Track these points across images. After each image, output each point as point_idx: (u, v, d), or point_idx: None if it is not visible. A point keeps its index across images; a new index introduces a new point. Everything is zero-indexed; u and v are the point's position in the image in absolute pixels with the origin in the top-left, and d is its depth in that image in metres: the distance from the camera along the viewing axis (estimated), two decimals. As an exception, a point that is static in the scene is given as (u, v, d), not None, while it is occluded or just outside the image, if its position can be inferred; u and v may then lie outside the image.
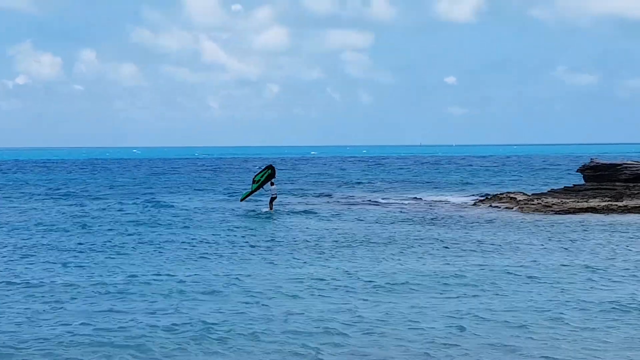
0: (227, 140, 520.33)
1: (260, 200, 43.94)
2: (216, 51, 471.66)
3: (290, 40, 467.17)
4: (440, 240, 28.53)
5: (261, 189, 43.19)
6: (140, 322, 15.88)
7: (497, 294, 18.71)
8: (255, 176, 44.52)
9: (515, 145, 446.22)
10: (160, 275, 21.20)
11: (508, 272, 21.58)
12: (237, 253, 25.77)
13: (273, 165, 44.38)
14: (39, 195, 53.87)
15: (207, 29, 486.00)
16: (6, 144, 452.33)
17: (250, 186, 44.85)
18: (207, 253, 25.64)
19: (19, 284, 20.11)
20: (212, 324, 15.70)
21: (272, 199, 41.88)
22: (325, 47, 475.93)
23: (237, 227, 33.55)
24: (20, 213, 39.91)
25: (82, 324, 15.77)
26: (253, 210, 41.27)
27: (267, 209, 41.17)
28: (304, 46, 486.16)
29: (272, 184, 42.45)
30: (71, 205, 44.81)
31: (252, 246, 27.29)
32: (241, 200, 45.28)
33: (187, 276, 21.02)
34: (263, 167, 45.03)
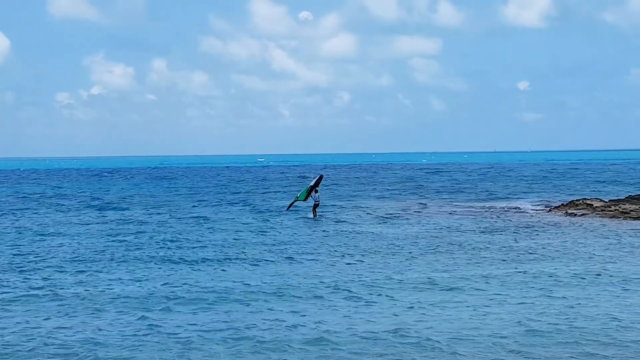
0: (299, 148, 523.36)
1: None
2: (285, 59, 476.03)
3: (358, 47, 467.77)
4: (529, 250, 29.32)
5: (309, 197, 44.81)
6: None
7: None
8: (307, 186, 45.99)
9: (592, 150, 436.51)
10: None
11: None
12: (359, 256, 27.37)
13: (322, 176, 46.57)
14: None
15: (275, 37, 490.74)
16: (85, 153, 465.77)
17: (297, 193, 46.90)
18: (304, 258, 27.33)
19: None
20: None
21: (316, 206, 43.87)
22: (393, 54, 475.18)
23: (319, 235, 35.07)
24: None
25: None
26: (336, 222, 42.78)
27: (311, 216, 42.99)
28: (372, 53, 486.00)
29: (316, 191, 44.39)
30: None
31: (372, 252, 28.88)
32: (287, 209, 46.60)
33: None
34: (316, 177, 46.43)
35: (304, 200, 45.51)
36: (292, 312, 18.48)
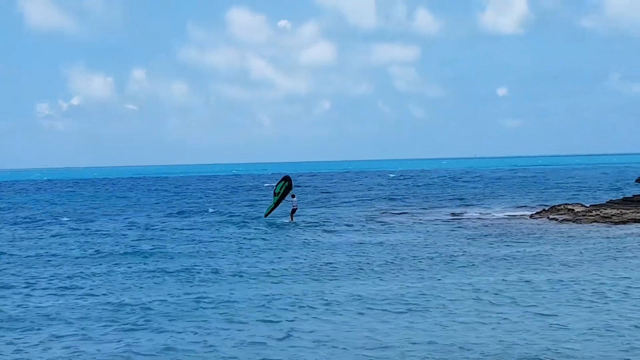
0: (281, 156, 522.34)
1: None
2: (264, 68, 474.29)
3: (337, 55, 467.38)
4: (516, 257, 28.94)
5: (283, 200, 44.83)
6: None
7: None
8: (275, 188, 45.84)
9: (572, 155, 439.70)
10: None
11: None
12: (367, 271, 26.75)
13: (289, 177, 45.90)
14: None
15: (253, 45, 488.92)
16: (66, 163, 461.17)
17: (272, 199, 46.46)
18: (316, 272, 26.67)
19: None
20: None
21: (293, 210, 43.72)
22: (372, 62, 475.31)
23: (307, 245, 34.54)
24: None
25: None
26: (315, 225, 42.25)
27: (289, 220, 43.03)
28: (351, 61, 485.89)
29: (293, 196, 44.14)
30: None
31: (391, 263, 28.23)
32: (266, 215, 46.40)
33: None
34: (280, 180, 46.19)
35: (275, 205, 45.29)
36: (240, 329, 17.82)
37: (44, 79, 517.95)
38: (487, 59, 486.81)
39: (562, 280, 22.60)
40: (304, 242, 34.27)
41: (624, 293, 20.60)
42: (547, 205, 49.57)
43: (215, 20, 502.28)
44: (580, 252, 28.73)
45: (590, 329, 16.75)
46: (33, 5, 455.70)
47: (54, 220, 49.88)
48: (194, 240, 35.85)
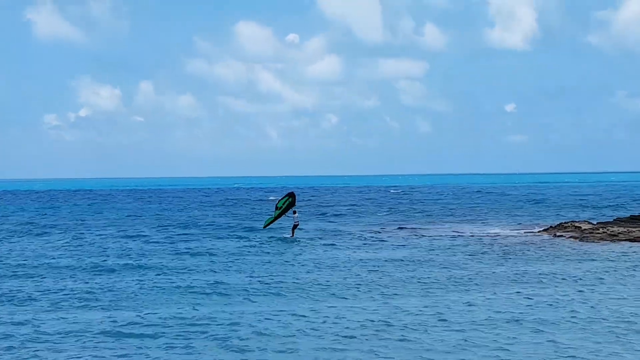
0: (287, 170, 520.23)
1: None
2: (271, 81, 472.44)
3: (344, 69, 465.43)
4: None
5: (284, 215, 44.21)
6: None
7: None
8: (278, 202, 45.39)
9: (577, 172, 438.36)
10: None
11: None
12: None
13: (294, 193, 45.22)
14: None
15: (260, 58, 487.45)
16: (72, 175, 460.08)
17: (273, 212, 45.83)
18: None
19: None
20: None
21: (295, 226, 42.94)
22: (379, 76, 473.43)
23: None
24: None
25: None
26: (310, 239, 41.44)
27: (290, 236, 42.29)
28: (358, 75, 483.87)
29: (294, 212, 43.45)
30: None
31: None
32: (264, 227, 46.04)
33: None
34: (284, 195, 45.80)
35: (275, 218, 44.78)
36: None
37: (52, 89, 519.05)
38: (494, 75, 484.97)
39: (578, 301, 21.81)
40: (301, 258, 33.49)
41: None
42: (552, 223, 48.71)
43: (223, 33, 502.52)
44: (591, 270, 27.93)
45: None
46: (40, 16, 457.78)
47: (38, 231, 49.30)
48: (194, 254, 35.02)
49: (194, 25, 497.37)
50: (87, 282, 26.39)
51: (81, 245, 39.76)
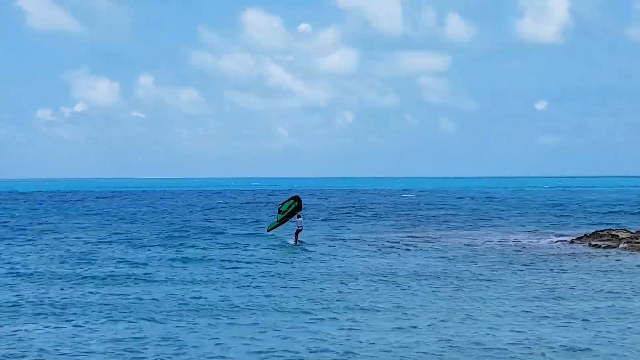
0: (296, 171, 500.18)
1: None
2: (281, 75, 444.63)
3: (360, 63, 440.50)
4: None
5: (288, 220, 42.40)
6: None
7: None
8: (281, 206, 43.44)
9: (618, 176, 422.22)
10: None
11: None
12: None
13: (299, 197, 43.46)
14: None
15: (269, 51, 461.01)
16: (67, 174, 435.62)
17: (276, 216, 43.97)
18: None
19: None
20: None
21: (298, 231, 40.85)
22: (398, 71, 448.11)
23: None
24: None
25: None
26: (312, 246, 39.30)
27: (293, 241, 40.39)
28: (375, 69, 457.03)
29: (298, 216, 41.60)
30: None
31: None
32: (268, 231, 44.45)
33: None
34: (289, 198, 44.13)
35: (280, 222, 42.96)
36: None
37: (45, 83, 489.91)
38: (524, 71, 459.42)
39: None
40: (305, 266, 31.38)
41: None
42: (587, 231, 45.96)
43: (229, 23, 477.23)
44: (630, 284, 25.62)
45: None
46: (34, 6, 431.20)
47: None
48: (188, 261, 32.86)
49: (198, 14, 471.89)
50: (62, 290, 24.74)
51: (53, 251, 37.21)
